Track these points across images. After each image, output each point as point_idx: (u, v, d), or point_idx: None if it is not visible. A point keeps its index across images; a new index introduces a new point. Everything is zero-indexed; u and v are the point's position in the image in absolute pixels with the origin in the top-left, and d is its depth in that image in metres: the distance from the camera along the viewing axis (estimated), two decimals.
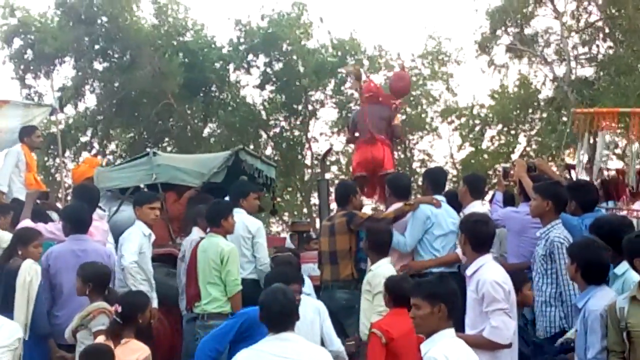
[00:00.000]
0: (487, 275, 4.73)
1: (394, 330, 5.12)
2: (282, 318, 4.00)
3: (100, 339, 4.97)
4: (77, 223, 6.27)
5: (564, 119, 17.97)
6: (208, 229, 6.47)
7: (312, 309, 5.37)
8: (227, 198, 7.28)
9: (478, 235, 4.88)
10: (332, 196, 7.73)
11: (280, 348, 3.90)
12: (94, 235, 6.39)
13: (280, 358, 3.87)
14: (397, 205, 6.67)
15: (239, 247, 6.50)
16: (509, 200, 6.44)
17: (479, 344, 4.27)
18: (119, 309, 4.96)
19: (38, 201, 7.52)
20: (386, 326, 5.18)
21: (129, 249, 6.49)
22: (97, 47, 19.71)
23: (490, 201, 6.95)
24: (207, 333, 5.93)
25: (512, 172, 6.43)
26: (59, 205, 8.46)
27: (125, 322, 4.90)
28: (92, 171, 8.87)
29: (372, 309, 5.69)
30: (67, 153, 20.76)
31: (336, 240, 6.53)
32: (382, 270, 5.82)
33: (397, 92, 8.79)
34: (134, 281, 6.37)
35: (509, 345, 4.64)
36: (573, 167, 7.11)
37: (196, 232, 7.07)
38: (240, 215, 6.70)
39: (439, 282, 3.91)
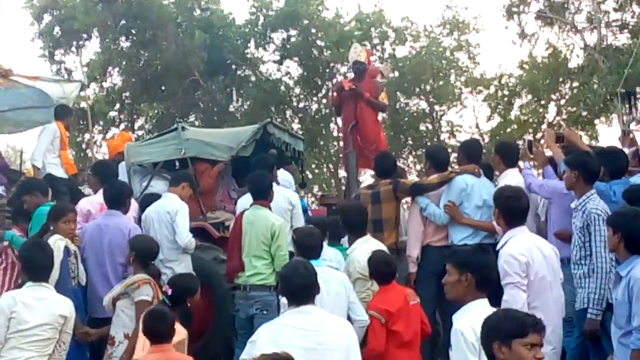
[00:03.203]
0: (506, 248, 4.78)
1: (390, 305, 5.25)
2: (303, 291, 4.00)
3: None
4: (110, 199, 6.44)
5: (595, 87, 17.69)
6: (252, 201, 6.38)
7: (337, 281, 5.36)
8: None
9: (511, 210, 4.96)
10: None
11: (301, 321, 3.90)
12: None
13: (302, 331, 3.87)
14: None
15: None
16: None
17: None
18: (169, 292, 5.00)
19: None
20: (381, 304, 5.28)
21: (184, 226, 6.51)
22: (121, 24, 19.77)
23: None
24: (248, 304, 6.04)
25: (536, 144, 6.33)
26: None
27: (174, 304, 4.94)
28: (124, 145, 8.98)
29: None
30: (97, 128, 20.95)
31: (382, 207, 6.44)
32: (355, 254, 5.78)
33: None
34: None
35: None
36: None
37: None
38: (278, 188, 6.69)
39: (471, 252, 3.93)
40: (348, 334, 4.01)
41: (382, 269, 5.45)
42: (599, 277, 5.02)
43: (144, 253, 5.69)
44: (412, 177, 15.28)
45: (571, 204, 5.45)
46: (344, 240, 6.51)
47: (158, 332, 4.42)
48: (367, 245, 5.84)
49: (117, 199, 6.44)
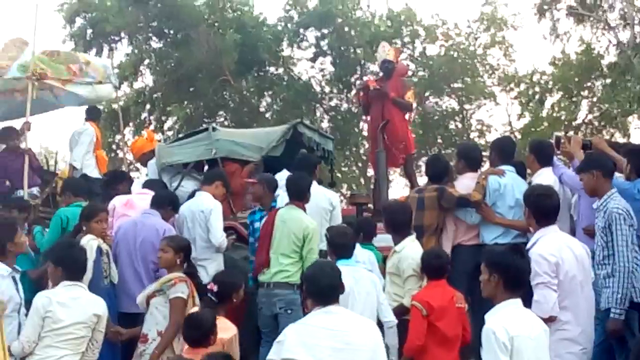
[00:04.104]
0: (535, 248, 4.75)
1: (433, 300, 5.30)
2: (329, 291, 4.00)
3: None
4: (154, 200, 6.62)
5: (628, 84, 17.44)
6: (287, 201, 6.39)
7: (368, 281, 5.42)
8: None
9: (542, 209, 4.94)
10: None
11: (329, 321, 3.90)
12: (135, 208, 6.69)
13: (330, 331, 3.87)
14: (468, 177, 6.56)
15: (320, 219, 6.49)
16: None
17: None
18: (215, 288, 5.02)
19: None
20: (425, 297, 5.34)
21: (219, 226, 6.62)
22: (153, 24, 19.95)
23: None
24: (271, 302, 6.07)
25: (564, 141, 6.26)
26: None
27: (220, 301, 4.95)
28: (150, 145, 9.07)
29: (405, 293, 5.68)
30: (128, 129, 21.15)
31: (424, 214, 6.35)
32: (407, 252, 5.76)
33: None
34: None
35: (552, 319, 4.57)
36: None
37: None
38: (320, 187, 6.73)
39: (500, 253, 3.95)
40: (375, 335, 4.02)
41: (431, 262, 5.53)
42: (622, 277, 4.95)
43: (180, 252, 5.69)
44: None
45: (593, 205, 5.37)
46: (376, 239, 6.52)
47: (192, 337, 4.48)
48: (417, 244, 5.87)
49: (159, 201, 6.58)
